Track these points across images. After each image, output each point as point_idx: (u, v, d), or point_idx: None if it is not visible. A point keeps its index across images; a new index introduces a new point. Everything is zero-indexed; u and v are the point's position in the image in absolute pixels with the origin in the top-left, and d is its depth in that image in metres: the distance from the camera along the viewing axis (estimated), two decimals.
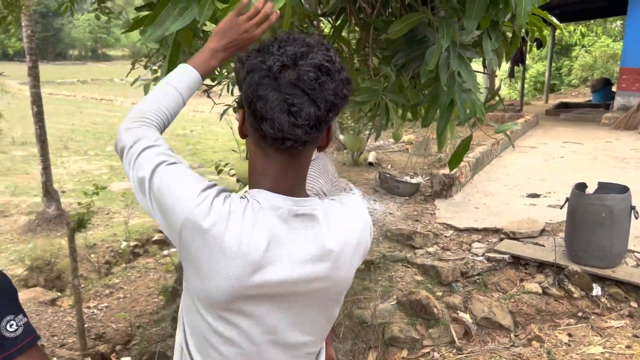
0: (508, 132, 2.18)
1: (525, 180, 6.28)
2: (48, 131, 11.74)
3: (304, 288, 1.04)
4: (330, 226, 1.06)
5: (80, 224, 4.63)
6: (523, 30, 2.04)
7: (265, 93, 0.93)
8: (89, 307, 7.74)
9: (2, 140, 9.07)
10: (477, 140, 7.44)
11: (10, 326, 1.40)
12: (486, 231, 4.75)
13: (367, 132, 7.45)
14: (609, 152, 7.75)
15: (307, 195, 1.08)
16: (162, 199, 1.02)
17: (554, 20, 2.04)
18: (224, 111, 3.53)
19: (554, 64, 21.32)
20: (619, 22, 22.99)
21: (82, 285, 8.73)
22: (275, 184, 1.03)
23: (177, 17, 1.30)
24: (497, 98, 2.30)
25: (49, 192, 11.60)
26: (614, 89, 13.10)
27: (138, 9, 1.58)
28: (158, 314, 5.71)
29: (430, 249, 4.46)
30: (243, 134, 1.08)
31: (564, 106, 13.27)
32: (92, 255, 10.21)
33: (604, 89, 13.23)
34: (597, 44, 22.17)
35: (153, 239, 10.71)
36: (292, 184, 1.04)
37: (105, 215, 11.75)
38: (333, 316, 1.18)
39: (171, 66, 1.62)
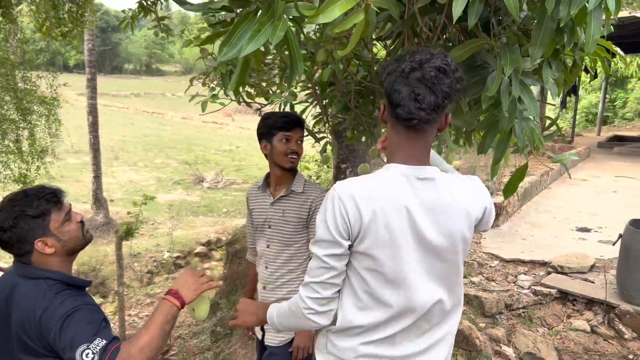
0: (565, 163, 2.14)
1: (576, 213, 6.10)
2: (100, 141, 12.16)
3: None
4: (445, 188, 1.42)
5: (129, 232, 4.75)
6: (587, 60, 2.00)
7: (399, 87, 1.31)
8: (130, 315, 7.89)
9: (58, 148, 9.45)
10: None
11: (87, 356, 1.40)
12: (533, 264, 4.62)
13: None
14: None
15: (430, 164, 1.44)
16: None
17: (618, 50, 1.99)
18: None
19: (608, 96, 20.77)
20: None
21: (125, 293, 8.93)
22: (407, 155, 1.39)
23: (250, 40, 1.33)
24: (554, 127, 2.26)
25: (99, 200, 11.98)
26: None
27: (212, 25, 1.62)
28: (197, 326, 5.77)
29: (475, 279, 4.37)
30: (383, 121, 1.46)
31: (618, 139, 12.89)
32: (136, 264, 10.45)
33: None
34: None
35: (195, 251, 10.89)
36: (419, 154, 1.40)
37: (151, 225, 12.03)
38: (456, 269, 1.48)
39: (240, 81, 1.66)
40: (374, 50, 3.61)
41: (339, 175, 5.36)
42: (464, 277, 4.44)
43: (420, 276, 1.41)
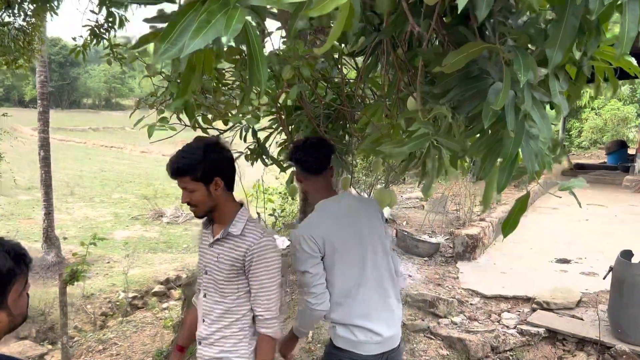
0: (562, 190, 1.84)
1: (552, 243, 5.89)
2: (55, 177, 11.53)
3: None
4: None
5: (74, 276, 4.26)
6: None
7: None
8: None
9: (6, 184, 8.88)
10: (495, 199, 7.09)
11: None
12: (516, 299, 4.33)
13: (378, 186, 7.13)
14: (636, 216, 7.36)
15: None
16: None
17: (633, 61, 1.73)
18: (238, 157, 3.25)
19: None
20: (627, 86, 23.03)
21: (75, 339, 8.29)
22: (324, 192, 2.29)
23: (196, 34, 0.98)
24: (559, 150, 1.97)
25: (50, 239, 11.27)
26: (630, 151, 12.87)
27: (148, 20, 1.25)
28: None
29: (456, 319, 4.03)
30: (299, 182, 2.38)
31: (580, 167, 13.02)
32: (89, 306, 9.75)
33: (619, 151, 13.03)
34: (607, 107, 22.18)
35: (153, 290, 10.25)
36: (331, 189, 2.31)
37: (106, 264, 11.35)
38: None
39: (183, 94, 1.29)
40: (345, 70, 3.33)
41: (307, 207, 5.00)
42: (444, 316, 4.10)
43: None
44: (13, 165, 8.58)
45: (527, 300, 4.28)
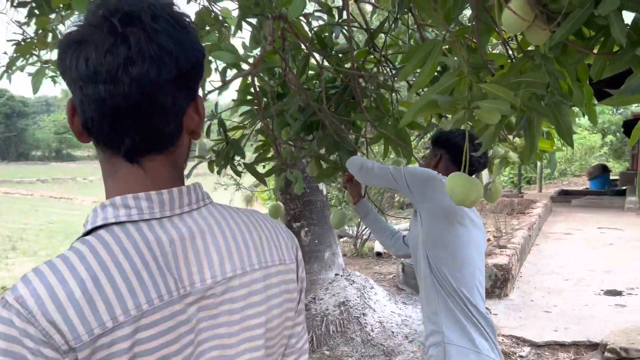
0: None
1: (587, 272, 4.94)
2: None
3: None
4: None
5: None
6: None
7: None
8: None
9: None
10: (497, 224, 6.14)
11: None
12: (577, 347, 3.29)
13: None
14: None
15: None
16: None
17: None
18: (197, 164, 2.23)
19: None
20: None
21: None
22: None
23: None
24: None
25: None
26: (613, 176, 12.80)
27: None
28: None
29: None
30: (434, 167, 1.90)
31: (565, 193, 12.63)
32: None
33: (602, 175, 12.76)
34: (574, 136, 22.13)
35: None
36: None
37: None
38: None
39: None
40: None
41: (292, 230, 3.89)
42: None
43: None
44: None
45: (593, 346, 3.25)
